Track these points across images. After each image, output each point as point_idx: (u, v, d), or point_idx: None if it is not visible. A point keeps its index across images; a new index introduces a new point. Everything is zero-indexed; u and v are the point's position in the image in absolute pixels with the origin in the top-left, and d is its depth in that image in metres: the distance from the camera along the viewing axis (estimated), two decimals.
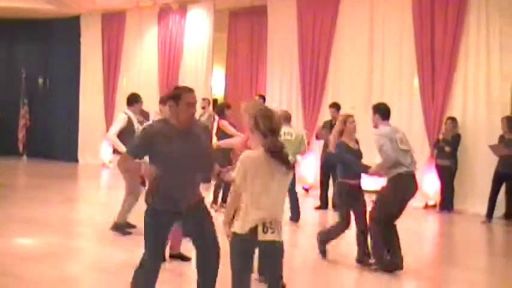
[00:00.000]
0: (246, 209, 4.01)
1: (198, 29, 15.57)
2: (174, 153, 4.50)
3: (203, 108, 13.89)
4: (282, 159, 4.03)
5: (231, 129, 10.04)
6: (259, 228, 3.99)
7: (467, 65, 11.55)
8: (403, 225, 9.27)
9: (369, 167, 6.90)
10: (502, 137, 10.37)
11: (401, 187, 6.78)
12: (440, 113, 11.63)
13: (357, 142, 7.32)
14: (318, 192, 11.44)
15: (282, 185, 4.10)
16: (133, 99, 8.73)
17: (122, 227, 8.25)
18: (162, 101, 7.45)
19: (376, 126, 7.05)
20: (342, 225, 7.08)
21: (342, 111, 10.89)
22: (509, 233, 10.04)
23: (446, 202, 11.30)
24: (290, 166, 4.13)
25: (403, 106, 12.11)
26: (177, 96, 4.57)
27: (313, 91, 13.48)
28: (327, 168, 10.86)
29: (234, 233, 4.05)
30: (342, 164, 7.09)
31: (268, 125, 4.06)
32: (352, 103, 12.34)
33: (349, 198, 7.03)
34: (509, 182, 10.28)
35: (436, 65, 11.74)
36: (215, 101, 16.13)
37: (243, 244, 4.05)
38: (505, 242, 9.77)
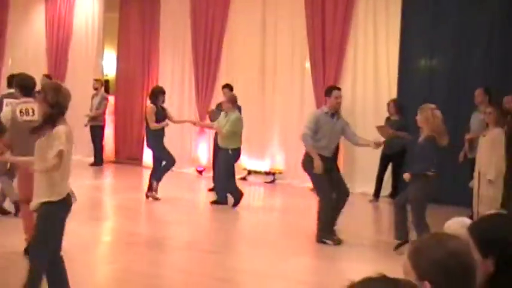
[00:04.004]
0: None
1: (87, 9, 15.15)
2: None
3: (96, 89, 13.56)
4: None
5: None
6: None
7: (356, 51, 11.90)
8: (289, 204, 9.46)
9: None
10: (388, 119, 10.80)
11: None
12: None
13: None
14: (211, 174, 11.36)
15: None
16: None
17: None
18: None
19: None
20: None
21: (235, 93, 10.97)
22: None
23: None
24: None
25: (295, 90, 12.41)
26: None
27: (206, 73, 13.41)
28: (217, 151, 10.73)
29: None
30: None
31: None
32: (245, 86, 12.46)
33: None
34: (395, 162, 10.74)
35: (327, 51, 11.99)
36: (107, 81, 15.76)
37: None
38: (390, 220, 10.17)
